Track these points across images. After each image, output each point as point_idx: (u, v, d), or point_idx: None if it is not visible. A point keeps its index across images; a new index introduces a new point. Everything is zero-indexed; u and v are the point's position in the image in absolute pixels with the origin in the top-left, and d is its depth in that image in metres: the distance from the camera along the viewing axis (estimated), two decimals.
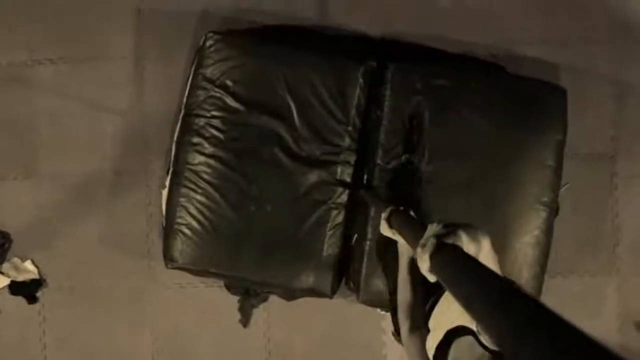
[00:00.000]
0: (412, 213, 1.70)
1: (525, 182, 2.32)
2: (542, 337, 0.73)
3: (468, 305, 0.99)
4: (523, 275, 2.31)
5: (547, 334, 0.73)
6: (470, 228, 1.25)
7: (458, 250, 1.20)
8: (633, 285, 2.68)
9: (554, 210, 2.35)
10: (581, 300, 2.67)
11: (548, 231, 2.33)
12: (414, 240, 1.37)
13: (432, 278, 1.24)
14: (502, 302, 0.92)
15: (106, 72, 2.72)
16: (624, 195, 2.68)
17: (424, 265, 1.22)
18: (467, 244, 1.21)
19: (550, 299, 2.39)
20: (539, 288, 2.34)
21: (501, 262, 2.24)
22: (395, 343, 2.66)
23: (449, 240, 1.20)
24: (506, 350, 0.77)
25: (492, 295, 0.97)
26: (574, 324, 0.74)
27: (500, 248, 2.30)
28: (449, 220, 1.36)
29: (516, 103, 2.36)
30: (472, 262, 1.15)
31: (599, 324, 2.67)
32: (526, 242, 2.31)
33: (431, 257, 1.20)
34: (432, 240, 1.21)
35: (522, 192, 2.32)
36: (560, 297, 2.60)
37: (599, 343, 0.67)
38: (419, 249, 1.24)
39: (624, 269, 2.68)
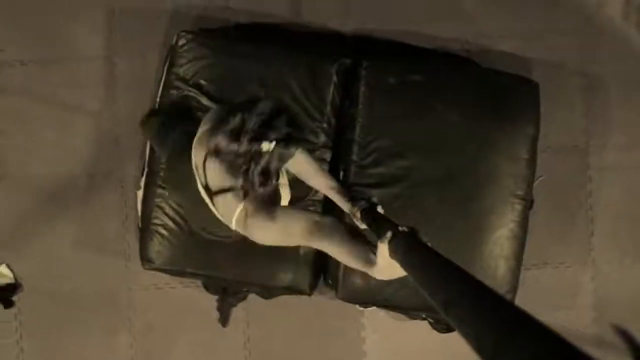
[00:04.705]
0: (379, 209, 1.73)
1: (500, 176, 2.34)
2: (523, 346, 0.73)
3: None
4: (500, 269, 2.33)
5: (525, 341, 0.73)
6: None
7: None
8: (608, 276, 2.71)
9: (528, 203, 2.38)
10: (556, 292, 2.70)
11: (523, 224, 2.35)
12: None
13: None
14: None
15: (77, 72, 2.69)
16: (598, 186, 2.71)
17: None
18: None
19: (526, 291, 2.43)
20: (516, 281, 2.36)
21: (477, 255, 2.28)
22: (376, 340, 2.68)
23: None
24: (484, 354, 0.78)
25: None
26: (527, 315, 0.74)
27: (476, 242, 2.33)
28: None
29: (489, 97, 2.38)
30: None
31: (574, 314, 2.71)
32: (502, 236, 2.33)
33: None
34: None
35: (497, 186, 2.33)
36: (536, 289, 2.64)
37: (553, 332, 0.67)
38: None
39: (598, 259, 2.71)
